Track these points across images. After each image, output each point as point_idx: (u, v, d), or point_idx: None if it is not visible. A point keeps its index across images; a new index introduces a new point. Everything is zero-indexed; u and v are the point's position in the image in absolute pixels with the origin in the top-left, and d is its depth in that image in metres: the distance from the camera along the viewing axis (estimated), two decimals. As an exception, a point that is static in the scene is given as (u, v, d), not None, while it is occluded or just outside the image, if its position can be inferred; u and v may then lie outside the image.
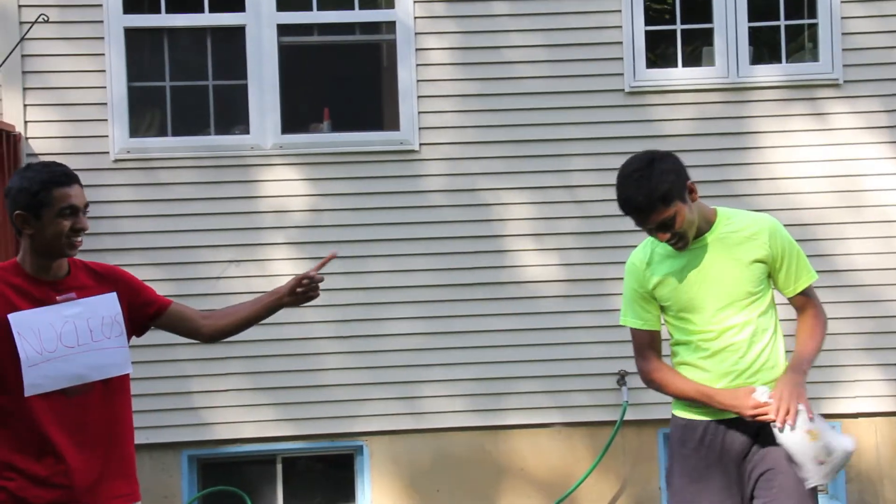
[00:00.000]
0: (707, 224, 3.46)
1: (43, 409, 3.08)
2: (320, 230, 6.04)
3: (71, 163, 5.80)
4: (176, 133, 6.12)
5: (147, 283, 3.48)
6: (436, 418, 6.07)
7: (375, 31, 6.43)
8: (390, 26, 6.20)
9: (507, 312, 6.08)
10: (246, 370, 5.99)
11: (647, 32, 6.16)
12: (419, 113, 6.09)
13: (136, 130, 6.11)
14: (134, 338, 3.37)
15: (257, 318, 3.50)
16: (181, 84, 6.19)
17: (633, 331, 3.58)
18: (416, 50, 6.09)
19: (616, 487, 6.14)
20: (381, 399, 6.03)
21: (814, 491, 3.40)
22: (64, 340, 3.11)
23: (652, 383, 3.56)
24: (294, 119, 6.18)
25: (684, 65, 6.22)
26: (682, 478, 3.51)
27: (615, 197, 3.43)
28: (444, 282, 6.07)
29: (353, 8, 6.17)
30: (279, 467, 6.19)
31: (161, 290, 5.85)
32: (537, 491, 6.11)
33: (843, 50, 6.15)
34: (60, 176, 3.13)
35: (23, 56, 5.92)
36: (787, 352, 3.51)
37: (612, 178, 6.03)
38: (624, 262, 3.56)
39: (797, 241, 3.56)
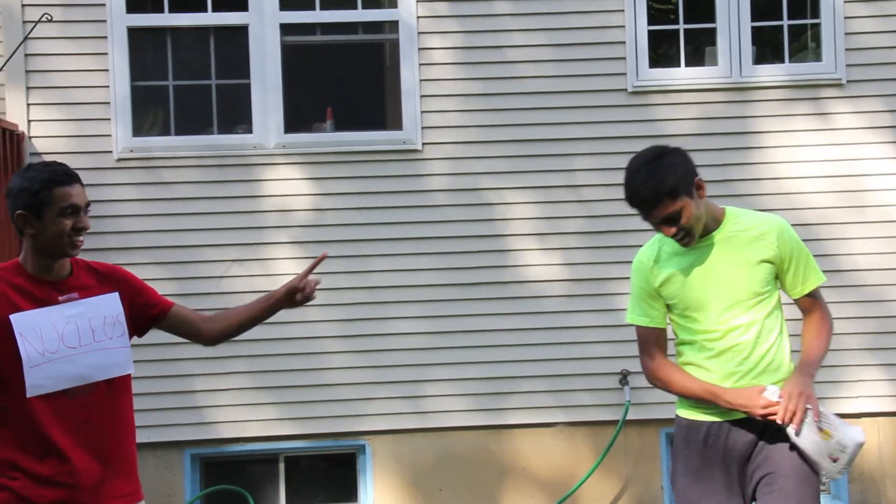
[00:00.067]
0: (715, 223, 3.45)
1: (45, 410, 3.07)
2: (323, 229, 6.05)
3: (74, 162, 5.81)
4: (179, 132, 6.13)
5: (150, 283, 3.48)
6: (439, 417, 6.07)
7: (378, 30, 6.43)
8: (393, 26, 6.20)
9: (511, 312, 6.08)
10: (249, 369, 6.00)
11: (649, 32, 6.16)
12: (422, 112, 6.09)
13: (139, 130, 6.11)
14: (136, 337, 3.36)
15: (256, 321, 3.52)
16: (184, 83, 6.19)
17: (639, 328, 3.56)
18: (419, 49, 6.10)
19: (618, 487, 6.14)
20: (383, 398, 6.04)
21: (816, 493, 3.39)
22: (66, 341, 3.11)
23: (657, 381, 3.54)
24: (297, 118, 6.19)
25: (687, 64, 6.22)
26: (685, 478, 3.51)
27: (619, 196, 3.44)
28: (448, 281, 6.07)
29: (355, 7, 6.17)
30: (282, 466, 6.20)
31: (164, 289, 5.87)
32: (540, 490, 6.11)
33: (847, 50, 6.15)
34: (61, 175, 3.13)
35: (26, 55, 5.93)
36: (791, 351, 3.50)
37: (616, 177, 6.05)
38: (627, 262, 3.57)
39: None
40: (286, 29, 6.09)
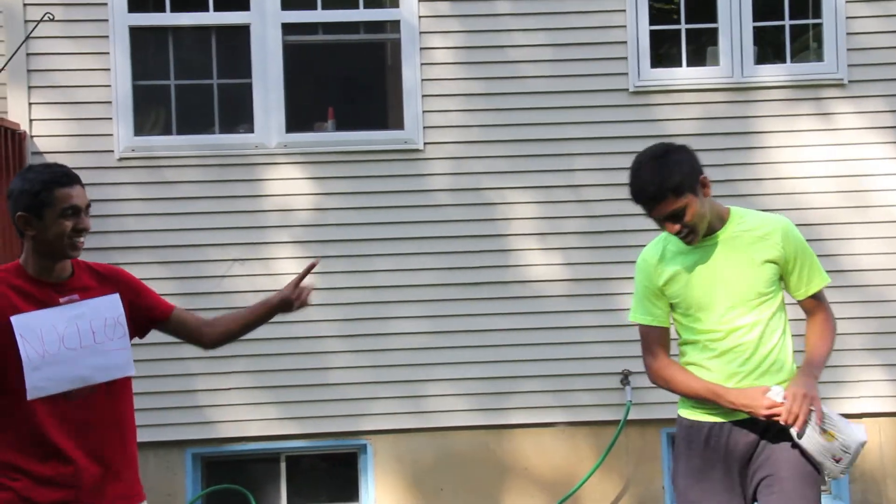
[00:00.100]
0: (720, 222, 3.44)
1: (45, 412, 3.07)
2: (325, 229, 6.05)
3: (75, 161, 5.87)
4: (180, 132, 6.13)
5: (152, 282, 3.49)
6: (440, 417, 6.07)
7: (380, 30, 6.43)
8: (395, 25, 6.20)
9: (511, 312, 6.08)
10: (250, 369, 6.00)
11: (651, 32, 6.16)
12: (423, 112, 6.09)
13: (140, 129, 6.12)
14: (137, 338, 3.36)
15: (254, 326, 3.55)
16: (186, 83, 6.19)
17: (642, 327, 3.55)
18: (421, 49, 6.10)
19: (619, 487, 6.14)
20: (385, 398, 6.04)
21: (817, 494, 3.39)
22: (66, 342, 3.10)
23: (660, 381, 3.53)
24: (298, 118, 6.19)
25: (689, 64, 6.22)
26: (686, 478, 3.50)
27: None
28: (449, 281, 6.07)
29: (357, 7, 6.17)
30: (283, 466, 6.20)
31: (166, 288, 5.90)
32: (540, 490, 6.11)
33: (848, 50, 6.15)
34: (62, 176, 3.12)
35: (28, 54, 5.93)
36: (794, 352, 3.49)
37: (617, 177, 6.07)
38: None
39: (802, 241, 3.55)
40: (288, 28, 6.09)
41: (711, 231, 3.43)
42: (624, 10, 6.12)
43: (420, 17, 6.10)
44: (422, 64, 6.10)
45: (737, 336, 3.39)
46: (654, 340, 3.53)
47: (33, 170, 3.17)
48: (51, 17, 5.79)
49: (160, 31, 6.16)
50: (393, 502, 6.10)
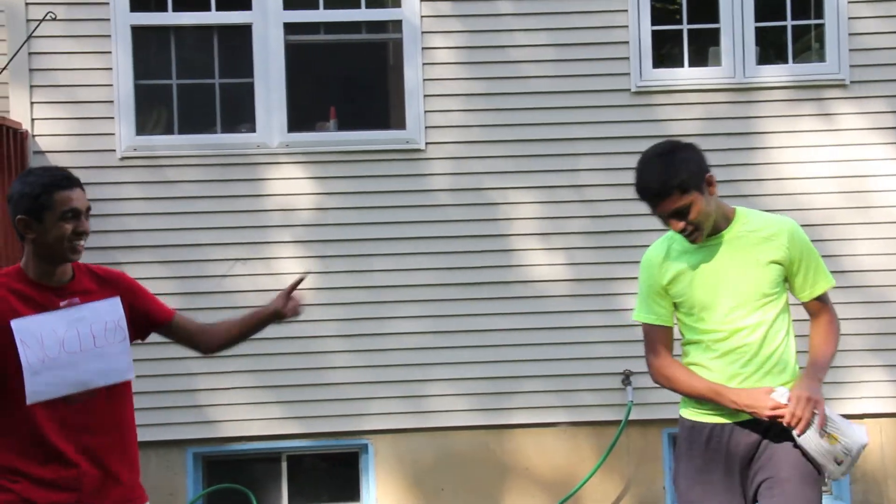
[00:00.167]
0: (726, 222, 3.43)
1: (45, 416, 3.06)
2: (326, 228, 6.05)
3: (77, 160, 5.88)
4: (182, 131, 6.13)
5: (154, 281, 3.51)
6: (441, 417, 6.07)
7: (382, 30, 6.43)
8: (397, 25, 6.20)
9: (513, 312, 6.07)
10: (251, 368, 6.00)
11: (653, 32, 6.15)
12: (425, 112, 6.09)
13: (142, 128, 6.12)
14: (138, 341, 3.36)
15: (248, 335, 3.57)
16: (188, 82, 6.19)
17: (646, 326, 3.55)
18: (423, 49, 6.10)
19: (620, 487, 6.14)
20: (386, 398, 6.04)
21: (818, 495, 3.38)
22: (66, 347, 3.09)
23: (662, 380, 3.52)
24: (300, 117, 6.19)
25: (691, 65, 6.22)
26: (687, 479, 3.50)
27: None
28: (450, 281, 6.07)
29: (359, 7, 6.17)
30: (284, 465, 6.20)
31: (167, 287, 5.91)
32: (541, 490, 6.11)
33: (850, 50, 6.14)
34: (62, 179, 3.12)
35: (30, 54, 5.93)
36: (798, 352, 3.47)
37: (619, 177, 6.09)
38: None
39: (804, 241, 3.55)
40: (290, 28, 6.09)
41: (717, 231, 3.42)
42: (626, 10, 6.11)
43: (422, 16, 6.10)
44: (424, 64, 6.10)
45: (740, 337, 3.38)
46: (658, 340, 3.52)
47: (33, 173, 3.16)
48: (53, 16, 5.79)
49: (162, 30, 6.16)
50: (394, 502, 6.10)
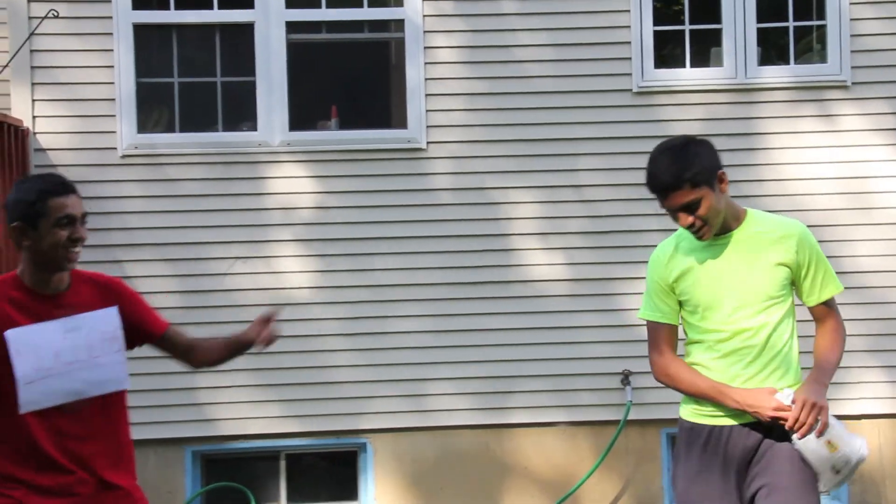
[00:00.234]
0: (736, 222, 3.41)
1: (38, 425, 3.05)
2: (327, 227, 6.05)
3: (78, 158, 5.90)
4: (184, 129, 6.13)
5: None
6: (440, 416, 6.08)
7: (384, 29, 6.43)
8: (399, 24, 6.20)
9: (513, 311, 6.08)
10: (250, 366, 5.98)
11: (655, 32, 6.15)
12: (427, 111, 6.09)
13: (143, 126, 6.12)
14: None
15: (231, 357, 3.61)
16: (189, 80, 6.19)
17: (650, 324, 3.53)
18: (425, 48, 6.10)
19: (619, 487, 6.14)
20: (385, 396, 6.04)
21: (817, 500, 3.37)
22: (62, 357, 3.06)
23: (665, 378, 3.49)
24: (302, 116, 6.19)
25: (692, 65, 6.21)
26: (685, 480, 3.49)
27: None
28: (451, 280, 6.07)
29: (361, 6, 6.17)
30: (283, 464, 6.20)
31: (168, 285, 5.92)
32: (541, 490, 6.11)
33: (852, 52, 6.14)
34: (57, 186, 3.10)
35: (32, 51, 5.93)
36: (800, 352, 3.46)
37: (620, 177, 6.10)
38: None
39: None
40: (292, 27, 6.09)
41: (726, 230, 3.40)
42: (628, 11, 6.11)
43: (424, 16, 6.10)
44: (425, 63, 6.10)
45: (742, 338, 3.36)
46: (661, 338, 3.50)
47: (29, 179, 3.17)
48: (55, 13, 5.79)
49: (164, 28, 6.16)
50: (393, 501, 6.11)
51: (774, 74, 6.19)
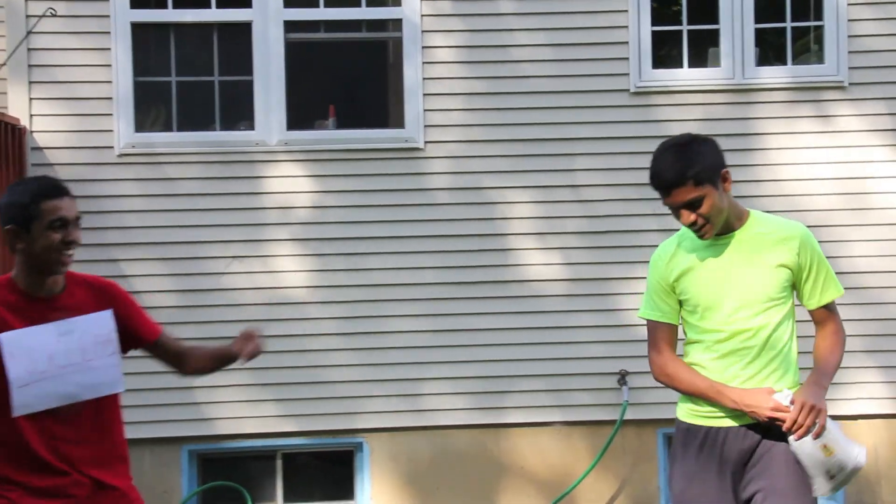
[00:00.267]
0: (738, 222, 3.41)
1: (31, 428, 3.05)
2: (325, 227, 6.05)
3: (76, 157, 5.90)
4: (181, 128, 6.13)
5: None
6: (436, 416, 6.08)
7: (382, 28, 6.43)
8: (397, 24, 6.20)
9: (510, 311, 6.08)
10: (247, 366, 5.96)
11: (653, 33, 6.15)
12: (425, 111, 6.09)
13: (141, 125, 6.12)
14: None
15: (218, 368, 3.59)
16: (187, 79, 6.19)
17: (650, 323, 3.52)
18: (423, 48, 6.10)
19: (615, 487, 6.14)
20: (382, 396, 6.04)
21: (813, 503, 3.38)
22: (56, 360, 3.06)
23: (664, 377, 3.48)
24: (299, 116, 6.19)
25: (690, 66, 6.22)
26: (681, 481, 3.49)
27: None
28: (448, 280, 6.07)
29: (359, 5, 6.17)
30: (279, 463, 6.20)
31: (165, 284, 5.92)
32: (537, 490, 6.12)
33: (850, 52, 6.14)
34: (50, 188, 3.09)
35: (29, 50, 5.93)
36: (799, 353, 3.46)
37: (617, 177, 6.10)
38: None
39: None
40: (290, 26, 6.09)
41: (729, 230, 3.40)
42: (626, 11, 6.12)
43: (422, 15, 6.10)
44: (423, 63, 6.10)
45: (741, 339, 3.36)
46: (661, 337, 3.50)
47: (23, 182, 3.16)
48: (53, 12, 5.79)
49: (162, 27, 6.16)
50: (389, 500, 6.11)
51: (772, 75, 6.19)
